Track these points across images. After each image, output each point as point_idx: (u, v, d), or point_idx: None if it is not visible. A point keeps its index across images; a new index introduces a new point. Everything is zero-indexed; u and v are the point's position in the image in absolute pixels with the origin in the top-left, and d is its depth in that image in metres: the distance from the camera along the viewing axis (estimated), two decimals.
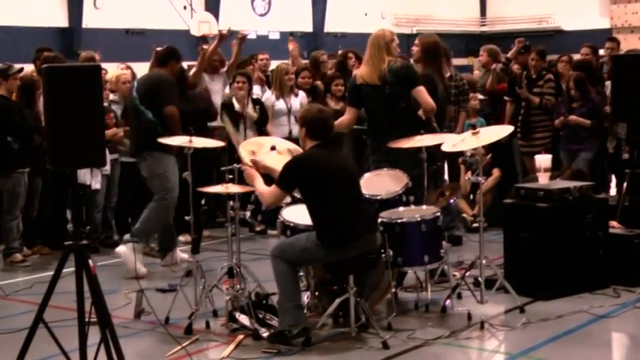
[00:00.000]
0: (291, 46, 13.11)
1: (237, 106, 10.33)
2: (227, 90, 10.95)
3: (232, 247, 7.02)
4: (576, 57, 11.91)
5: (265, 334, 6.53)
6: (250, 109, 10.51)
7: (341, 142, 9.52)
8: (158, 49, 9.23)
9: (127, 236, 8.88)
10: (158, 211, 8.68)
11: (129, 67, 11.19)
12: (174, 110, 8.60)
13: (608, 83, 10.85)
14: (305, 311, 6.71)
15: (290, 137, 9.84)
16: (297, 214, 6.90)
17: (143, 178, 8.89)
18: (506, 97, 11.23)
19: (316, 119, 6.64)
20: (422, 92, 7.70)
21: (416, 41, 8.77)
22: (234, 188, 6.89)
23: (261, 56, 12.32)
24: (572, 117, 10.20)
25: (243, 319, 6.69)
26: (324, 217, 6.47)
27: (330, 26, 29.34)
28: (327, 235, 6.42)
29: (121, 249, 8.57)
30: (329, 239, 6.41)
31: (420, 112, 7.75)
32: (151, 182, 8.74)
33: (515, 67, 11.45)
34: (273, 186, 6.60)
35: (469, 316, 6.91)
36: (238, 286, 6.88)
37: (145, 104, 8.63)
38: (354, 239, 6.43)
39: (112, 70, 10.57)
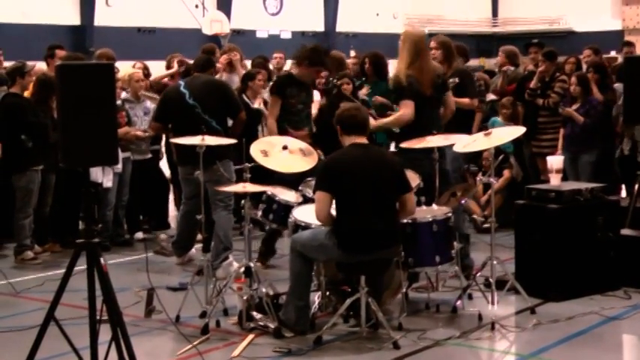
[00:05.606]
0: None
1: (251, 103, 10.27)
2: None
3: (246, 247, 7.02)
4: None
5: (286, 332, 6.55)
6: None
7: None
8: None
9: (216, 262, 8.18)
10: (229, 217, 8.52)
11: (146, 67, 11.23)
12: (244, 115, 8.80)
13: (617, 85, 10.83)
14: (312, 312, 6.74)
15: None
16: (310, 213, 6.80)
17: (197, 185, 7.57)
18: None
19: (347, 115, 6.60)
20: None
21: (433, 44, 8.66)
22: (251, 187, 6.84)
23: (275, 54, 12.47)
24: (568, 109, 10.09)
25: (262, 318, 6.70)
26: (345, 219, 6.40)
27: (342, 26, 29.40)
28: (345, 238, 6.38)
29: (220, 273, 7.93)
30: (346, 242, 6.38)
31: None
32: (219, 190, 7.93)
33: (529, 67, 11.37)
34: (316, 193, 6.50)
35: (480, 317, 6.90)
36: (255, 285, 6.87)
37: (210, 112, 8.37)
38: (374, 248, 6.40)
39: (124, 68, 10.57)
